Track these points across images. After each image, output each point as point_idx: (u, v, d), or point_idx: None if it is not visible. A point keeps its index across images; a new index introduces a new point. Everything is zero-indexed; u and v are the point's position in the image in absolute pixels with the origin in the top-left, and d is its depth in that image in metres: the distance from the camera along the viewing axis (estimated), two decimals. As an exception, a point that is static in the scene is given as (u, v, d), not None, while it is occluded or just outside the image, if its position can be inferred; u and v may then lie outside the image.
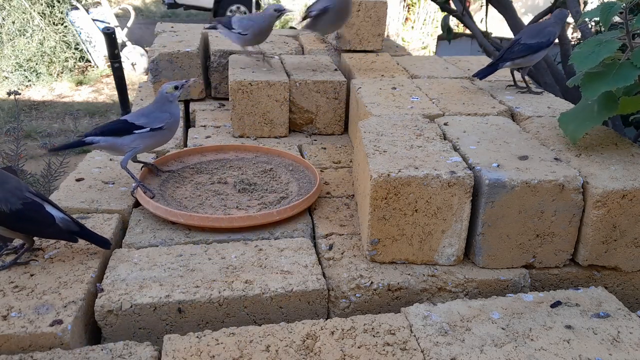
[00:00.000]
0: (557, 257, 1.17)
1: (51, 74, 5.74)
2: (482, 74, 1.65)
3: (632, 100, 1.25)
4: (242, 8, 8.38)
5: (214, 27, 1.96)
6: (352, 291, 1.11)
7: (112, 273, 1.09)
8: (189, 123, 2.03)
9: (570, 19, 3.30)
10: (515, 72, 1.74)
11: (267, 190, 1.45)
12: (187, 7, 8.73)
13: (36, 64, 5.67)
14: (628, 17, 1.15)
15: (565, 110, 1.34)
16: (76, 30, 5.93)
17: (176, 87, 1.38)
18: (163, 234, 1.24)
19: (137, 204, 1.36)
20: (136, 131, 1.32)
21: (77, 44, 5.98)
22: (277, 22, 1.91)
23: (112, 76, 2.97)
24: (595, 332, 0.96)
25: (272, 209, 1.34)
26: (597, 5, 1.19)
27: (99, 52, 6.09)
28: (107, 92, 5.58)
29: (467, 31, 4.14)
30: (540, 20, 2.54)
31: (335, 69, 1.96)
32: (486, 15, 2.90)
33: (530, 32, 1.62)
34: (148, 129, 1.33)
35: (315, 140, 1.85)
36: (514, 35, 1.66)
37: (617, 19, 1.21)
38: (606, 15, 1.14)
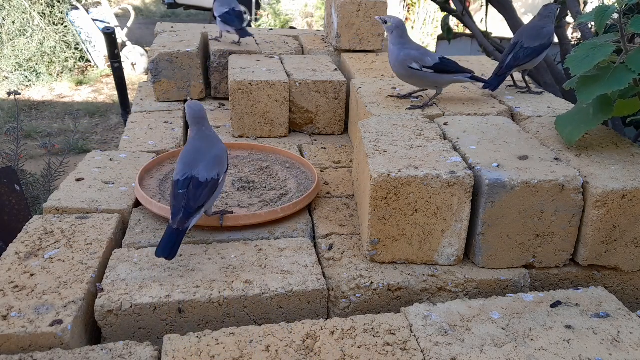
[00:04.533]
0: (557, 257, 1.17)
1: (51, 74, 5.74)
2: (494, 85, 1.60)
3: (628, 103, 1.25)
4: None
5: None
6: (352, 291, 1.11)
7: (112, 273, 1.09)
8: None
9: (570, 19, 3.30)
10: (515, 72, 1.74)
11: (265, 187, 1.45)
12: (187, 7, 8.73)
13: (36, 64, 5.67)
14: (623, 20, 1.15)
15: (563, 112, 1.34)
16: (76, 30, 5.93)
17: None
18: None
19: (137, 204, 1.36)
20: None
21: (77, 44, 5.98)
22: (276, 22, 1.91)
23: (112, 76, 2.97)
24: (595, 332, 0.96)
25: (275, 206, 1.34)
26: (593, 9, 1.19)
27: (99, 52, 6.09)
28: (107, 92, 5.58)
29: (467, 31, 4.13)
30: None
31: (335, 69, 1.96)
32: (486, 15, 2.90)
33: (530, 34, 1.60)
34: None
35: (315, 140, 1.85)
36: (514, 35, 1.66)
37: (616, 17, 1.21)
38: (601, 18, 1.15)
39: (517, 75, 1.76)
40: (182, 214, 1.10)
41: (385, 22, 1.53)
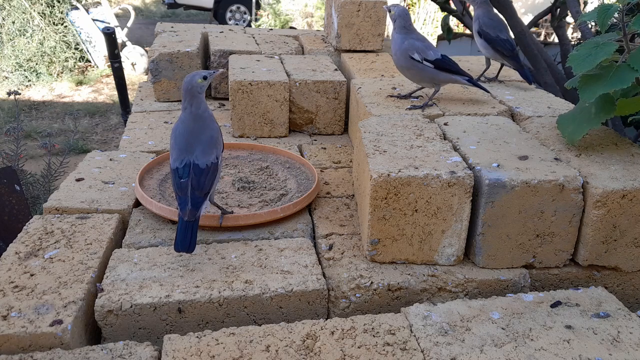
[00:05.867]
0: (557, 257, 1.17)
1: (51, 74, 5.74)
2: (531, 79, 1.73)
3: (630, 102, 1.25)
4: (242, 8, 8.39)
5: None
6: (352, 291, 1.11)
7: (112, 273, 1.09)
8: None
9: (570, 19, 3.31)
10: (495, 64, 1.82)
11: (265, 187, 1.46)
12: (187, 7, 8.75)
13: (36, 64, 5.67)
14: (625, 19, 1.15)
15: (564, 111, 1.34)
16: (76, 30, 5.94)
17: (205, 78, 1.19)
18: (163, 234, 1.24)
19: (137, 204, 1.36)
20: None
21: (77, 44, 5.99)
22: (276, 22, 1.88)
23: (112, 76, 2.97)
24: (595, 332, 0.96)
25: (275, 206, 1.34)
26: (595, 8, 1.19)
27: (99, 52, 6.10)
28: (107, 92, 5.58)
29: (467, 31, 4.13)
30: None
31: (335, 69, 1.96)
32: (486, 15, 2.90)
33: (505, 26, 1.72)
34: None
35: (315, 140, 1.85)
36: (509, 34, 1.71)
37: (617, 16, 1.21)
38: (603, 17, 1.15)
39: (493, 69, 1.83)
40: (191, 204, 1.08)
41: (389, 11, 1.53)
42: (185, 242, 1.06)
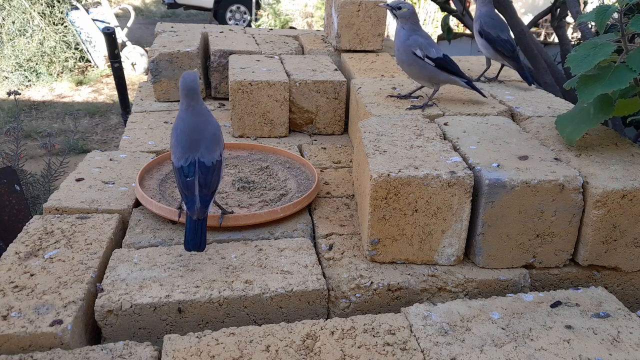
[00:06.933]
0: (557, 257, 1.17)
1: (51, 74, 5.74)
2: (530, 80, 1.73)
3: (628, 103, 1.25)
4: (242, 8, 8.40)
5: None
6: (352, 291, 1.11)
7: (112, 273, 1.09)
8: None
9: (570, 19, 3.31)
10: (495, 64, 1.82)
11: (265, 187, 1.46)
12: (187, 7, 8.75)
13: (36, 64, 5.67)
14: (623, 19, 1.15)
15: (564, 111, 1.34)
16: (76, 30, 5.94)
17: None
18: (163, 234, 1.24)
19: (137, 204, 1.36)
20: None
21: (77, 44, 5.99)
22: (276, 22, 1.88)
23: (112, 76, 2.97)
24: (595, 332, 0.96)
25: (275, 206, 1.34)
26: (594, 8, 1.19)
27: (99, 52, 6.10)
28: (107, 92, 5.58)
29: (467, 31, 4.14)
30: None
31: (335, 69, 1.96)
32: (486, 15, 2.90)
33: (506, 27, 1.71)
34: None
35: (315, 140, 1.85)
36: (510, 34, 1.70)
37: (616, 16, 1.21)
38: (601, 18, 1.15)
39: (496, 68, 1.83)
40: (200, 203, 1.08)
41: (399, 8, 1.49)
42: (196, 241, 1.06)
